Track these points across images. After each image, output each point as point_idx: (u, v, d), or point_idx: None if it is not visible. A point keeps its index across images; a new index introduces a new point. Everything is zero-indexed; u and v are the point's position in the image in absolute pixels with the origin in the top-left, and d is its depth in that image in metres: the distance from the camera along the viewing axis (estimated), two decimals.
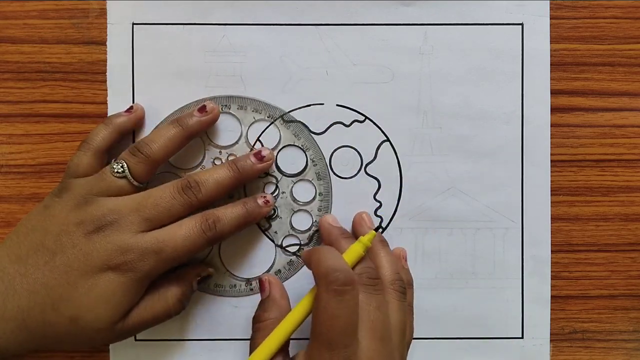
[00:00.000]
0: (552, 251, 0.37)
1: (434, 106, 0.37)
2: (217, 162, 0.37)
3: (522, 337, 0.37)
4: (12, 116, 0.37)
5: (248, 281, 0.37)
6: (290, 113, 0.37)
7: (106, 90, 0.37)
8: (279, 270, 0.37)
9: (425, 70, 0.37)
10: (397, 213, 0.37)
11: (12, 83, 0.37)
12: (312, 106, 0.37)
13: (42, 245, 0.32)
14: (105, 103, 0.37)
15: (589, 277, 0.38)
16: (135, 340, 0.37)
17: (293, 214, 0.37)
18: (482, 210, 0.37)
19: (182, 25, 0.37)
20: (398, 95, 0.37)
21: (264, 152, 0.35)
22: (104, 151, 0.34)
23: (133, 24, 0.37)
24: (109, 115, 0.36)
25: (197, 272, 0.35)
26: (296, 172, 0.37)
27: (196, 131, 0.35)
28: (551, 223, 0.37)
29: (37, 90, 0.37)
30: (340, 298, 0.29)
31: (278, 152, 0.37)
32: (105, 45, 0.37)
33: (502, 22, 0.37)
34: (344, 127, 0.37)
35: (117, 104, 0.37)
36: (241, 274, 0.37)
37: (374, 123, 0.37)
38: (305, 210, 0.37)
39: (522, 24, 0.37)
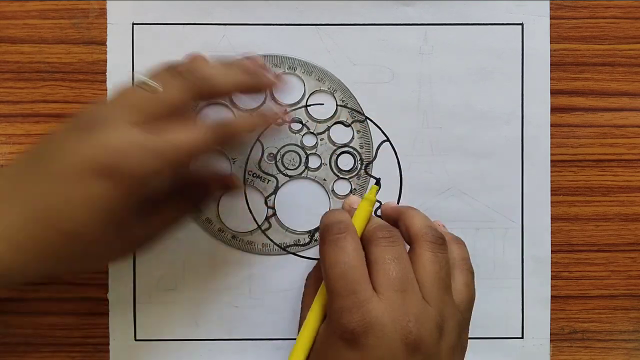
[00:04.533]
0: (552, 251, 0.37)
1: (434, 106, 0.37)
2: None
3: (522, 337, 0.37)
4: (12, 116, 0.37)
5: (310, 233, 0.37)
6: (290, 113, 0.37)
7: (106, 90, 0.37)
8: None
9: (425, 70, 0.37)
10: None
11: (12, 83, 0.37)
12: (312, 106, 0.37)
13: (33, 155, 0.28)
14: None
15: (589, 277, 0.38)
16: (135, 340, 0.37)
17: (336, 157, 0.37)
18: (482, 210, 0.37)
19: (182, 25, 0.37)
20: (398, 95, 0.37)
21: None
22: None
23: (133, 24, 0.37)
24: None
25: (225, 180, 0.34)
26: (328, 116, 0.37)
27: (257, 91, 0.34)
28: (551, 223, 0.37)
29: (37, 90, 0.37)
30: (334, 246, 0.29)
31: (307, 100, 0.37)
32: (105, 45, 0.37)
33: (502, 22, 0.37)
34: (344, 127, 0.37)
35: None
36: (301, 227, 0.37)
37: (374, 123, 0.37)
38: (346, 151, 0.37)
39: (522, 24, 0.37)
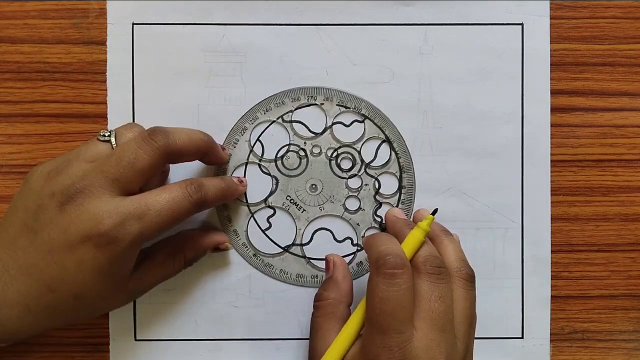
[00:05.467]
0: (552, 251, 0.37)
1: (434, 106, 0.37)
2: (301, 153, 0.37)
3: (522, 337, 0.37)
4: (12, 116, 0.37)
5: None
6: (292, 112, 0.37)
7: (106, 90, 0.37)
8: (361, 262, 0.37)
9: (425, 70, 0.37)
10: None
11: (12, 83, 0.37)
12: (312, 106, 0.37)
13: (25, 225, 0.30)
14: (105, 103, 0.37)
15: (589, 277, 0.38)
16: (135, 340, 0.37)
17: (376, 206, 0.37)
18: (482, 210, 0.37)
19: (182, 25, 0.37)
20: (398, 95, 0.37)
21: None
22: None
23: (133, 24, 0.37)
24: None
25: (215, 243, 0.35)
26: (380, 164, 0.37)
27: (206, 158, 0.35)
28: (551, 223, 0.37)
29: (37, 90, 0.37)
30: (389, 281, 0.29)
31: (362, 144, 0.37)
32: (105, 45, 0.37)
33: (502, 22, 0.37)
34: (344, 127, 0.37)
35: (117, 104, 0.37)
36: (323, 264, 0.37)
37: (374, 123, 0.37)
38: (389, 203, 0.37)
39: (522, 24, 0.37)
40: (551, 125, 0.37)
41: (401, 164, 0.37)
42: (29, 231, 0.30)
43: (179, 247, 0.34)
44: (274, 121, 0.37)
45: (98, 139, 0.32)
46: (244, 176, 0.37)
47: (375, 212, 0.37)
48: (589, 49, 0.37)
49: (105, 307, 0.33)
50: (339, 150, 0.37)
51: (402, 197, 0.37)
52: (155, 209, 0.30)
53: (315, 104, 0.37)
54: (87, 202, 0.29)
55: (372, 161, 0.37)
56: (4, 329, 0.30)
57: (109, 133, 0.32)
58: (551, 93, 0.37)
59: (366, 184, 0.37)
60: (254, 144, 0.37)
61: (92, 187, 0.30)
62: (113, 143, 0.31)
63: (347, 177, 0.37)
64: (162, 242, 0.34)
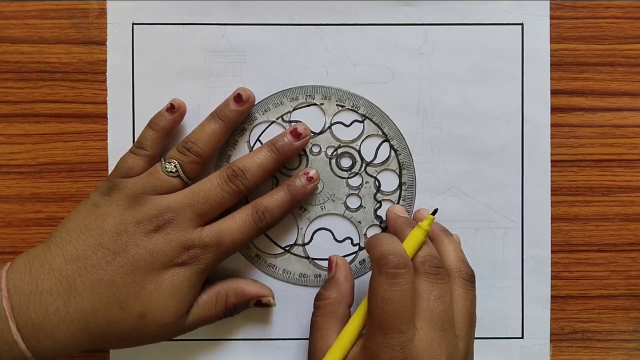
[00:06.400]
0: (552, 251, 0.37)
1: (434, 106, 0.37)
2: (301, 152, 0.37)
3: (522, 337, 0.37)
4: (12, 116, 0.37)
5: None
6: (291, 112, 0.37)
7: (106, 90, 0.37)
8: (363, 260, 0.37)
9: (425, 70, 0.37)
10: None
11: (12, 83, 0.37)
12: (312, 106, 0.37)
13: (101, 244, 0.32)
14: (105, 103, 0.37)
15: (589, 277, 0.38)
16: None
17: (377, 204, 0.37)
18: (482, 210, 0.37)
19: (182, 25, 0.37)
20: (398, 95, 0.37)
21: (300, 129, 0.35)
22: (157, 156, 0.35)
23: (133, 24, 0.37)
24: (152, 116, 0.35)
25: (259, 295, 0.35)
26: (380, 161, 0.37)
27: (236, 122, 0.35)
28: (551, 223, 0.37)
29: (37, 90, 0.37)
30: (392, 281, 0.29)
31: (361, 142, 0.37)
32: (105, 45, 0.37)
33: (502, 22, 0.37)
34: (344, 127, 0.37)
35: (117, 104, 0.37)
36: (325, 263, 0.37)
37: (374, 123, 0.37)
38: (389, 200, 0.37)
39: (522, 24, 0.37)
40: (551, 125, 0.37)
41: (401, 161, 0.37)
42: (107, 251, 0.32)
43: (222, 291, 0.35)
44: (273, 122, 0.37)
45: (166, 174, 0.34)
46: None
47: (376, 210, 0.37)
48: (589, 49, 0.37)
49: (156, 332, 0.33)
50: (339, 149, 0.37)
51: (402, 194, 0.37)
52: (229, 239, 0.33)
53: (315, 104, 0.37)
54: (174, 232, 0.33)
55: (372, 159, 0.37)
56: (54, 346, 0.31)
57: (174, 168, 0.34)
58: (551, 93, 0.37)
59: (367, 182, 0.37)
60: (254, 145, 0.37)
61: (181, 218, 0.33)
62: (184, 177, 0.34)
63: (348, 175, 0.37)
64: (207, 284, 0.35)
